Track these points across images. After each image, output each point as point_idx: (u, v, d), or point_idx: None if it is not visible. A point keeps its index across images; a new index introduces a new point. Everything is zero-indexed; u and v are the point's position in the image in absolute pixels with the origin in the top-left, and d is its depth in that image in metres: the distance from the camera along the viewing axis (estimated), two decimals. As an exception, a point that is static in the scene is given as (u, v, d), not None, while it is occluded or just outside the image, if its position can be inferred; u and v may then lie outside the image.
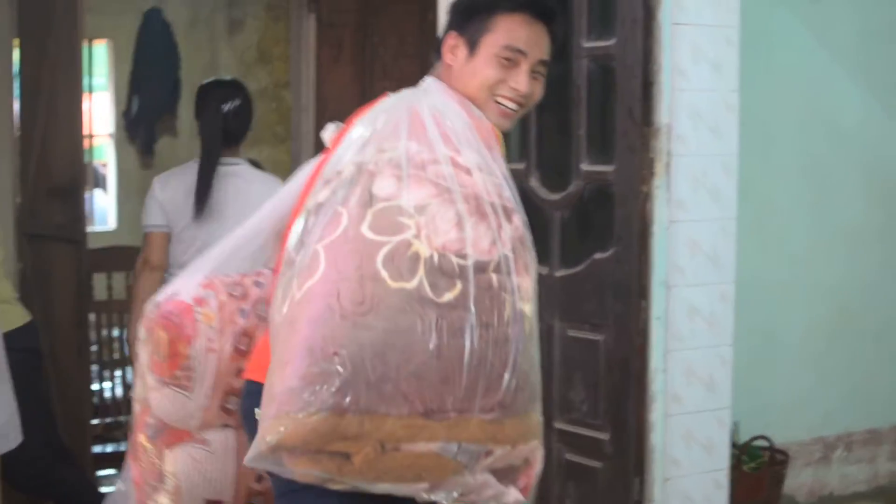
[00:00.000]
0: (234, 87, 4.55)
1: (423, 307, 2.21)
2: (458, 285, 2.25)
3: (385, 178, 2.33)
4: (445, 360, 2.21)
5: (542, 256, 4.31)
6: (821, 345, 5.47)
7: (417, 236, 2.26)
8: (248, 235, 2.72)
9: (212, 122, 4.37)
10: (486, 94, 2.55)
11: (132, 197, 8.81)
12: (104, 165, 9.42)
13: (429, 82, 2.59)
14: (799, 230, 5.36)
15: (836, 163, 5.44)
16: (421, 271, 2.23)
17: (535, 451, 2.41)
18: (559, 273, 4.38)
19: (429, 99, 2.50)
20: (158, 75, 8.65)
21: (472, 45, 2.55)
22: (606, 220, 4.20)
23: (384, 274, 2.21)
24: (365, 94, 5.63)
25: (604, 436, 4.24)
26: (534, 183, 4.47)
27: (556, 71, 4.33)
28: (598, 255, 4.24)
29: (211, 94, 4.46)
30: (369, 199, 2.30)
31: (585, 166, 4.29)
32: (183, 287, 2.67)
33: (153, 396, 2.65)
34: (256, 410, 2.31)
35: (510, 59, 2.55)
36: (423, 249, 2.25)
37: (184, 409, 2.64)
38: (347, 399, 2.14)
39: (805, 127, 5.33)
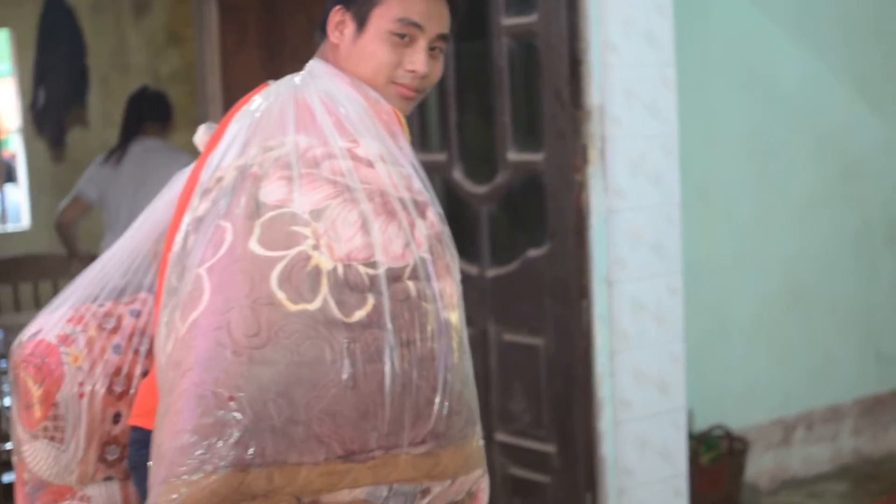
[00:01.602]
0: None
1: (330, 331, 1.94)
2: (370, 300, 1.97)
3: (273, 181, 2.04)
4: (363, 391, 1.94)
5: (471, 255, 4.20)
6: (775, 322, 5.32)
7: (316, 247, 1.98)
8: (122, 257, 2.44)
9: (129, 103, 5.49)
10: (382, 80, 2.25)
11: (46, 192, 8.57)
12: (14, 157, 9.15)
13: (313, 65, 2.26)
14: (745, 204, 5.21)
15: (781, 130, 5.28)
16: (324, 288, 1.95)
17: (479, 482, 2.15)
18: (490, 273, 4.21)
19: (316, 83, 2.19)
20: (64, 64, 8.40)
21: (361, 20, 2.24)
22: (539, 214, 4.03)
23: (281, 296, 1.94)
24: (274, 79, 5.34)
25: (550, 448, 4.08)
26: (457, 175, 4.29)
27: (475, 51, 4.16)
28: (531, 252, 4.07)
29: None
30: (256, 209, 2.01)
31: (512, 155, 4.11)
32: (47, 324, 2.39)
33: (25, 450, 2.40)
34: (150, 464, 2.07)
35: (405, 35, 2.24)
36: (325, 261, 1.97)
37: (58, 462, 2.38)
38: (250, 451, 1.88)
39: (746, 94, 5.16)
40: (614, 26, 3.87)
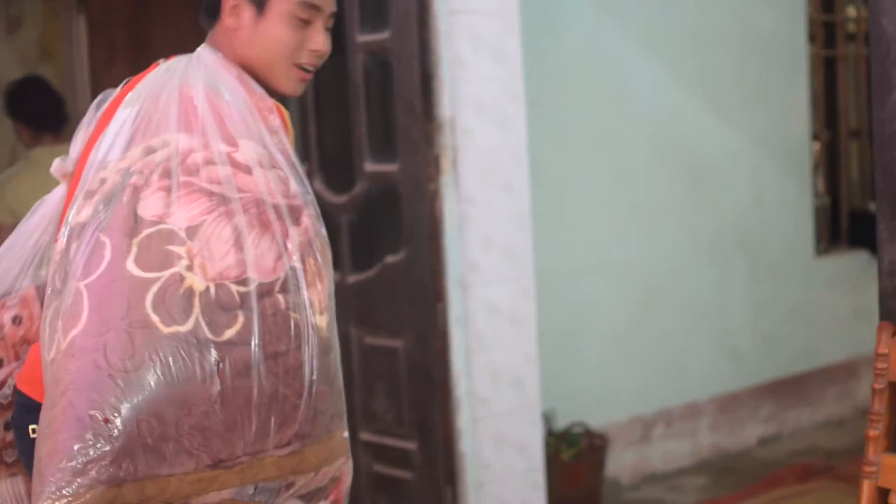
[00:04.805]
0: None
1: (201, 351, 1.96)
2: (240, 317, 1.99)
3: (152, 191, 2.04)
4: (231, 406, 1.98)
5: (333, 262, 4.19)
6: (633, 324, 5.42)
7: (190, 267, 1.99)
8: (9, 260, 2.40)
9: None
10: (286, 62, 2.26)
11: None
12: None
13: (202, 52, 2.24)
14: (599, 210, 5.29)
15: (633, 139, 5.38)
16: (196, 309, 1.97)
17: (342, 468, 2.19)
18: (351, 279, 4.26)
19: (203, 75, 2.18)
20: (-68, 81, 8.18)
21: (260, 4, 2.24)
22: (395, 221, 4.08)
23: (155, 319, 1.96)
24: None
25: (411, 445, 4.13)
26: (318, 185, 4.31)
27: (332, 67, 4.23)
28: (389, 259, 4.13)
29: None
30: (134, 224, 2.01)
31: (369, 166, 4.16)
32: None
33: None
34: (32, 428, 2.15)
35: (306, 17, 2.26)
36: (198, 282, 1.98)
37: None
38: (123, 469, 1.93)
39: (598, 105, 5.25)
40: (463, 42, 3.95)
